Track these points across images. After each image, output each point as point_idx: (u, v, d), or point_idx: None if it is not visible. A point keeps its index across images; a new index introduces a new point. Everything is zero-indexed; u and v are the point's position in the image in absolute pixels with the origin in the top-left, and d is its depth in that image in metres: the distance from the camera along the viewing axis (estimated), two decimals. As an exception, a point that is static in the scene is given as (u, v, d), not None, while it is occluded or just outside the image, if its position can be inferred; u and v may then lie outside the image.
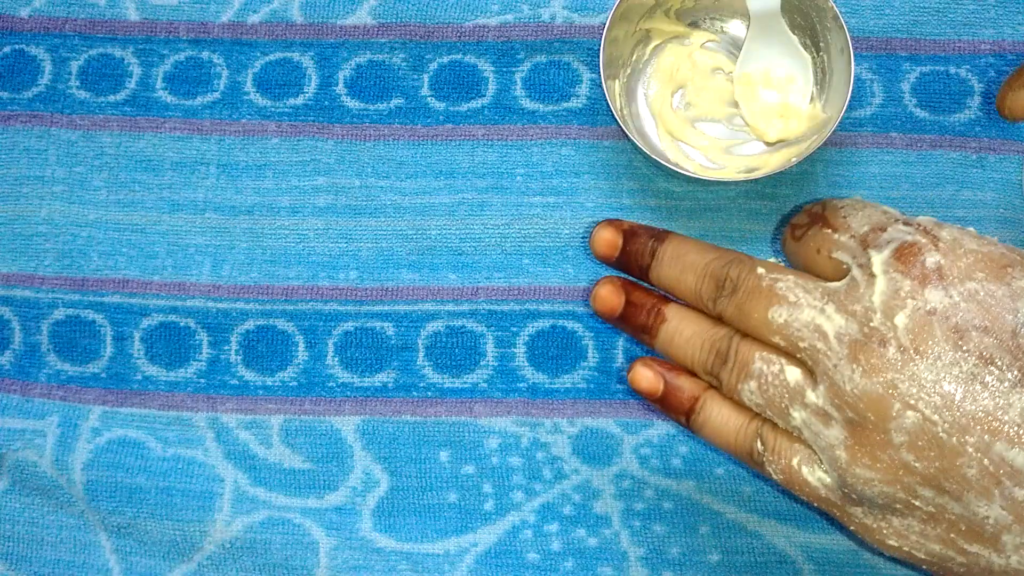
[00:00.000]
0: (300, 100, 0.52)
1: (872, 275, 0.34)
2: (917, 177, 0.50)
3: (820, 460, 0.37)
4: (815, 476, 0.37)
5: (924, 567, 0.36)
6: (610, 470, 0.48)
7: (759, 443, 0.39)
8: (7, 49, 0.53)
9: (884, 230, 0.35)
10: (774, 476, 0.39)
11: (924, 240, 0.34)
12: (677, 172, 0.47)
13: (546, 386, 0.49)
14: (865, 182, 0.50)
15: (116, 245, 0.51)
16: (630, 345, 0.49)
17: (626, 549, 0.47)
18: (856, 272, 0.35)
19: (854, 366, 0.34)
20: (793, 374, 0.36)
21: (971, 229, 0.35)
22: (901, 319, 0.33)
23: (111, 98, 0.52)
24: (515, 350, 0.49)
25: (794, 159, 0.47)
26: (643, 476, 0.48)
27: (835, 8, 0.47)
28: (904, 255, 0.34)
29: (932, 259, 0.33)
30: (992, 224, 0.49)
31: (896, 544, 0.35)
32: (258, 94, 0.52)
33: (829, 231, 0.37)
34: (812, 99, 0.50)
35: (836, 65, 0.48)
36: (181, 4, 0.53)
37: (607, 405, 0.48)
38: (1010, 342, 0.33)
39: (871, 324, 0.34)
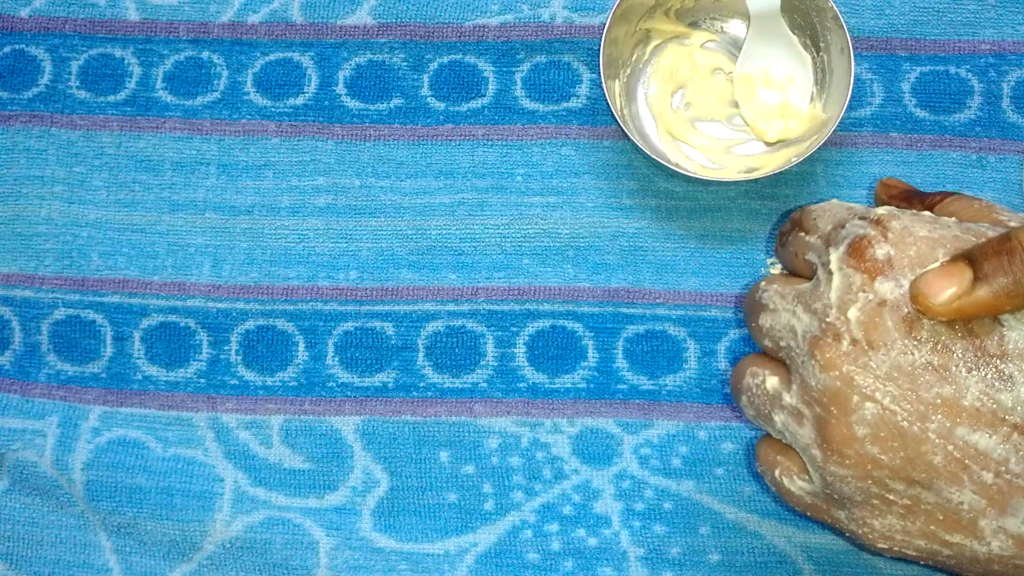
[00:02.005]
0: (300, 100, 0.52)
1: (830, 272, 0.35)
2: (917, 177, 0.50)
3: (797, 470, 0.37)
4: (796, 486, 0.37)
5: (921, 563, 0.36)
6: (610, 470, 0.48)
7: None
8: (7, 49, 0.53)
9: (843, 226, 0.35)
10: (772, 488, 0.40)
11: (874, 232, 0.34)
12: (677, 172, 0.47)
13: (546, 386, 0.49)
14: (865, 182, 0.50)
15: (116, 245, 0.51)
16: (630, 346, 0.49)
17: (626, 549, 0.47)
18: (819, 271, 0.36)
19: (813, 362, 0.34)
20: (772, 382, 0.37)
21: (927, 214, 0.35)
22: (853, 312, 0.34)
23: (111, 98, 0.52)
24: (515, 350, 0.49)
25: (794, 159, 0.47)
26: (643, 476, 0.48)
27: (835, 8, 0.47)
28: (856, 249, 0.34)
29: (882, 251, 0.34)
30: (992, 224, 0.49)
31: (886, 546, 0.35)
32: (258, 94, 0.52)
33: (803, 234, 0.38)
34: (812, 99, 0.50)
35: (836, 65, 0.48)
36: (181, 4, 0.53)
37: (607, 405, 0.48)
38: (962, 327, 0.33)
39: (827, 319, 0.34)
